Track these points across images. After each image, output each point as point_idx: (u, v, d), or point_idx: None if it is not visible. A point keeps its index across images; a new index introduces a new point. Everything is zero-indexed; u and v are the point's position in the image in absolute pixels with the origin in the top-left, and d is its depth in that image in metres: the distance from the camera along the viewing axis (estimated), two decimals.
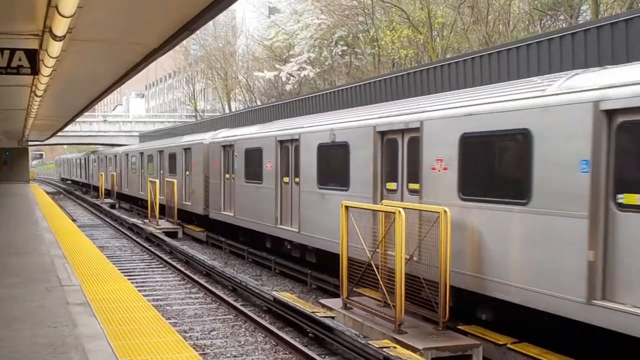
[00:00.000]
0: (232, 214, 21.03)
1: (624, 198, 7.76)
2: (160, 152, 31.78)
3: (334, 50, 41.41)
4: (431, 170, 10.85)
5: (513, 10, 30.25)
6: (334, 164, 14.51)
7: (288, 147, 16.92)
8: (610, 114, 7.85)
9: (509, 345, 9.50)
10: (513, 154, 9.57)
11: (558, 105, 8.51)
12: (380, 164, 12.65)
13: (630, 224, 7.68)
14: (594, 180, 7.92)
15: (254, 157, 18.92)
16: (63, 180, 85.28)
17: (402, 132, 11.98)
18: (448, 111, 10.72)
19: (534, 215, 8.82)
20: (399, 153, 12.12)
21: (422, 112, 11.37)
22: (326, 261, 14.77)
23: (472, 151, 10.10)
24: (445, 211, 9.64)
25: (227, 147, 21.86)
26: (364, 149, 12.99)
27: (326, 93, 23.49)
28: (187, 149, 26.96)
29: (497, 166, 9.95)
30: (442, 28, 33.72)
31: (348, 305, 11.32)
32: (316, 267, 15.68)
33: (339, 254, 11.53)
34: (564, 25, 26.77)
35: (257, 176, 18.56)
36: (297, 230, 16.07)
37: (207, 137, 25.07)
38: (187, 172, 26.85)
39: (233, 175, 21.11)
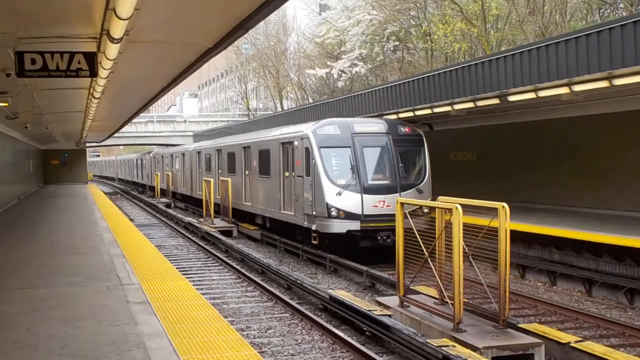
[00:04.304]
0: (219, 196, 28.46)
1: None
2: (183, 154, 39.63)
3: (386, 46, 41.19)
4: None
5: (570, 0, 29.56)
6: (264, 161, 23.11)
7: (247, 150, 25.71)
8: (285, 142, 20.69)
9: (572, 344, 9.27)
10: (267, 157, 22.34)
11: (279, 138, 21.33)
12: (281, 160, 21.24)
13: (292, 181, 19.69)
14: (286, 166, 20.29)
15: (232, 158, 28.25)
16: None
17: (291, 141, 20.32)
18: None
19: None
20: (291, 154, 20.41)
21: (286, 133, 21.56)
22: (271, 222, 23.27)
23: (260, 155, 23.52)
24: (503, 207, 9.45)
25: (220, 150, 30.73)
26: (276, 151, 21.57)
27: (378, 89, 23.33)
28: (199, 152, 35.33)
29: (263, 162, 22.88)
30: (496, 20, 33.23)
31: (405, 303, 11.21)
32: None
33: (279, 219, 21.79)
34: (624, 14, 26.04)
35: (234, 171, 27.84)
36: (251, 204, 25.19)
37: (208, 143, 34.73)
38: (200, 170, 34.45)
39: (219, 171, 30.49)
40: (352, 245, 17.96)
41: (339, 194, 17.76)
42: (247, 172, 25.63)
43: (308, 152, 18.78)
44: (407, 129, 19.31)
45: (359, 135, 18.54)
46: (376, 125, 19.10)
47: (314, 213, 18.41)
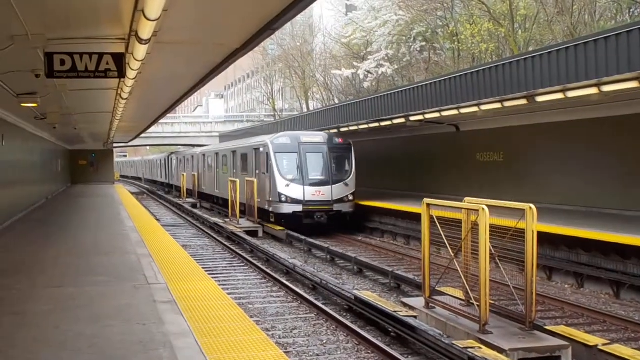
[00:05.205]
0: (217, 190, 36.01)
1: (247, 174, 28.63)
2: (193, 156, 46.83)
3: (413, 46, 41.02)
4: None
5: (599, 0, 29.21)
6: (244, 162, 30.18)
7: (235, 153, 32.53)
8: (255, 148, 27.97)
9: (600, 347, 9.16)
10: (246, 159, 29.65)
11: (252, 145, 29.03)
12: (254, 162, 27.73)
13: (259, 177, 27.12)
14: (256, 166, 28.03)
15: (225, 159, 35.13)
16: None
17: (258, 148, 27.22)
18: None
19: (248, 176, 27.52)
20: (259, 157, 26.96)
21: (256, 142, 28.76)
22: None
23: (242, 158, 30.30)
24: (530, 208, 9.36)
25: (217, 153, 37.53)
26: (251, 155, 28.40)
27: (405, 90, 23.26)
28: (204, 154, 42.34)
29: (244, 163, 30.08)
30: (524, 20, 32.96)
31: (430, 304, 11.16)
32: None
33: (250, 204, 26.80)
34: None
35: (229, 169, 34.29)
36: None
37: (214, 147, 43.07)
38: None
39: (217, 170, 37.22)
40: (297, 222, 24.64)
41: (288, 185, 25.03)
42: (234, 171, 32.64)
43: (267, 156, 26.07)
44: (340, 140, 26.41)
45: (304, 144, 25.77)
46: (317, 137, 26.45)
47: (271, 199, 25.70)
